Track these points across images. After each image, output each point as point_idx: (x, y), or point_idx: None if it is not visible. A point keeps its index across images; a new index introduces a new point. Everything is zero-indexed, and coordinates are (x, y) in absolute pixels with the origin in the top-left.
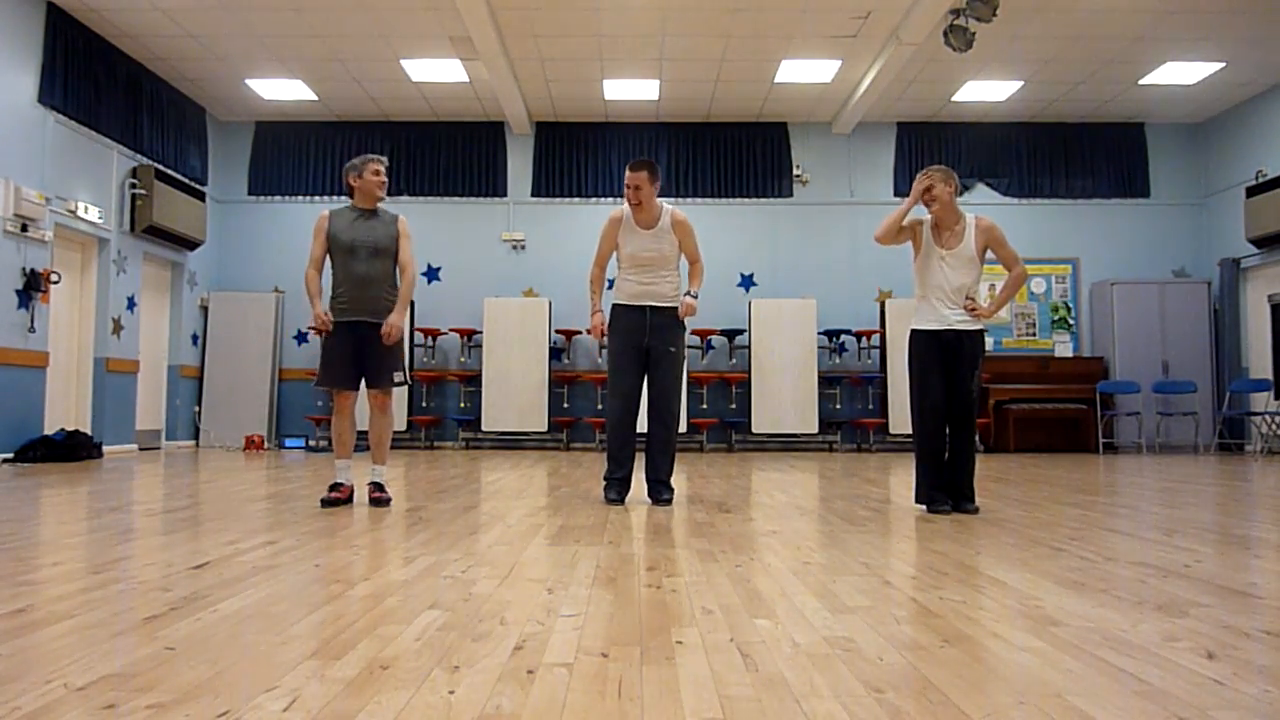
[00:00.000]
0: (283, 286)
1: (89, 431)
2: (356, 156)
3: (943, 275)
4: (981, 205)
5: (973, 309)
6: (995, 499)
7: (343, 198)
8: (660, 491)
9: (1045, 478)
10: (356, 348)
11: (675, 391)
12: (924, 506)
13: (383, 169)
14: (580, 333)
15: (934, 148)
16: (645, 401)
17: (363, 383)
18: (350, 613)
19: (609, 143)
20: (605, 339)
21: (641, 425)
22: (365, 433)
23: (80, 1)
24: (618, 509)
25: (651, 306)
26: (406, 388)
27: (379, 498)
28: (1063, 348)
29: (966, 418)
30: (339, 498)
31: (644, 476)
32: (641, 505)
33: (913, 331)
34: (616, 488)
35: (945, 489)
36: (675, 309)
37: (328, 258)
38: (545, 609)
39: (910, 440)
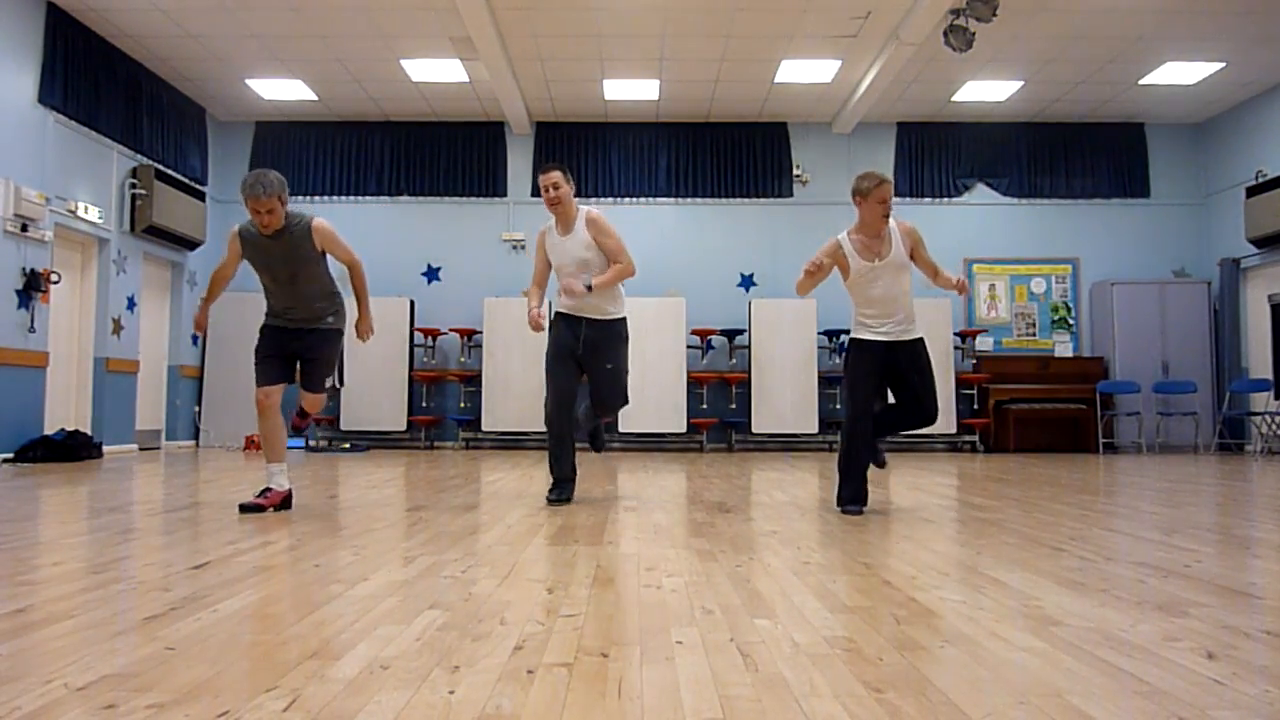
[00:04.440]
0: None
1: (89, 431)
2: (249, 176)
3: (880, 287)
4: (982, 205)
5: (958, 283)
6: (995, 499)
7: (342, 196)
8: (596, 436)
9: (1045, 478)
10: (288, 348)
11: (618, 397)
12: (839, 509)
13: (261, 207)
14: None
15: (934, 148)
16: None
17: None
18: (350, 613)
19: (609, 143)
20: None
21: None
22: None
23: (80, 1)
24: (619, 510)
25: (587, 319)
26: (340, 390)
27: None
28: (1063, 348)
29: (931, 419)
30: (261, 504)
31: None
32: (642, 506)
33: (851, 340)
34: (558, 489)
35: (873, 450)
36: (615, 322)
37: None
38: (545, 609)
39: (909, 440)
